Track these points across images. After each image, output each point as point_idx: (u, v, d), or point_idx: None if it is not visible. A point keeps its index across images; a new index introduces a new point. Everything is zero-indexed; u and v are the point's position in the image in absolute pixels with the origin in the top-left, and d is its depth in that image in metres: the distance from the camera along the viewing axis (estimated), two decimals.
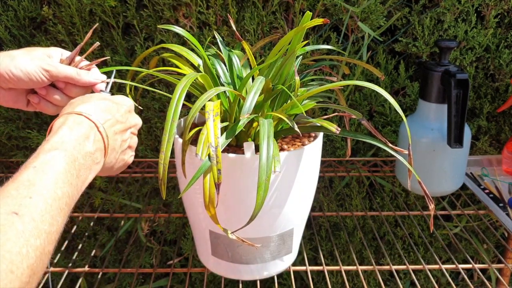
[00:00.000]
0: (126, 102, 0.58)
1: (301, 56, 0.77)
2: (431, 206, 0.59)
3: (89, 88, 0.61)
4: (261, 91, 0.60)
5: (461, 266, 0.79)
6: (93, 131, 0.50)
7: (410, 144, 0.62)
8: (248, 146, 0.61)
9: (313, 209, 0.96)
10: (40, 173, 0.41)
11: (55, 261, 0.87)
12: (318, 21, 0.61)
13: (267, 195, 0.63)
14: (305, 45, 0.70)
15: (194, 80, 0.61)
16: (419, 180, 0.60)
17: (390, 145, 0.60)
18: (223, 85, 0.70)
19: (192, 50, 0.72)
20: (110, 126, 0.52)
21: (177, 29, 0.72)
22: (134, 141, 0.59)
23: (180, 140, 0.64)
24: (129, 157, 0.58)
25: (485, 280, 0.74)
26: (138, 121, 0.60)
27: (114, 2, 0.95)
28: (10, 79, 0.55)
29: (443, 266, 0.78)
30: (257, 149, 0.62)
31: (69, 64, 0.61)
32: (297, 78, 0.63)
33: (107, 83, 0.63)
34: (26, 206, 0.36)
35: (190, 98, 0.97)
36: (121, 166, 0.57)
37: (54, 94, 0.59)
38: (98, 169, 0.50)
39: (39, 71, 0.56)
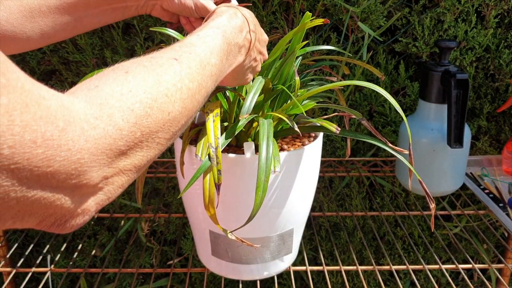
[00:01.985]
0: (266, 36, 0.62)
1: (301, 56, 0.77)
2: (432, 205, 0.59)
3: None
4: (261, 91, 0.60)
5: (461, 266, 0.79)
6: (246, 28, 0.53)
7: (411, 144, 0.62)
8: (248, 146, 0.61)
9: (313, 209, 0.96)
10: (202, 40, 0.45)
11: (55, 261, 0.87)
12: (318, 21, 0.61)
13: (268, 195, 0.63)
14: (305, 46, 0.70)
15: None
16: (419, 180, 0.60)
17: (390, 145, 0.60)
18: None
19: None
20: (255, 38, 0.55)
21: (170, 32, 0.71)
22: (258, 68, 0.60)
23: (180, 140, 0.64)
24: (250, 78, 0.60)
25: (485, 280, 0.74)
26: (266, 54, 0.61)
27: None
28: (178, 5, 0.62)
29: (443, 266, 0.78)
30: (257, 149, 0.62)
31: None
32: (297, 78, 0.63)
33: None
34: (185, 57, 0.41)
35: None
36: (242, 80, 0.59)
37: (196, 25, 0.64)
38: (238, 62, 0.53)
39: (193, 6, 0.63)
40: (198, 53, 0.43)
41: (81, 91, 0.33)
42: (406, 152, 0.60)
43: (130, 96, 0.33)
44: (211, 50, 0.45)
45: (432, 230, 0.63)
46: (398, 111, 0.59)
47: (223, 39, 0.48)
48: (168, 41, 0.99)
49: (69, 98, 0.30)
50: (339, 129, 0.58)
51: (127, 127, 0.32)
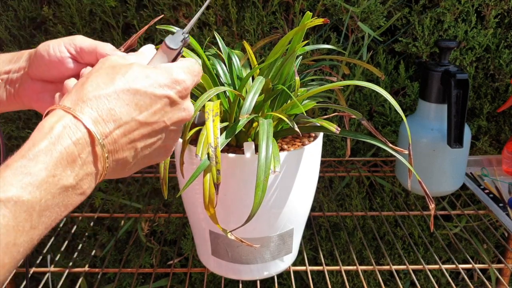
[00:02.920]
0: (177, 86, 0.40)
1: (301, 56, 0.77)
2: (432, 206, 0.59)
3: None
4: (261, 91, 0.60)
5: (461, 266, 0.79)
6: (86, 150, 0.35)
7: (411, 144, 0.62)
8: (248, 146, 0.61)
9: (313, 209, 0.96)
10: None
11: (55, 261, 0.87)
12: (319, 21, 0.61)
13: (268, 195, 0.63)
14: (305, 45, 0.70)
15: None
16: (419, 180, 0.60)
17: (390, 145, 0.60)
18: (223, 85, 0.70)
19: (192, 50, 0.72)
20: (122, 134, 0.37)
21: (176, 29, 0.72)
22: (171, 142, 0.43)
23: (180, 140, 0.64)
24: (159, 156, 0.43)
25: (485, 280, 0.74)
26: (185, 115, 0.42)
27: (114, 2, 0.95)
28: (49, 57, 0.47)
29: (443, 266, 0.78)
30: (257, 149, 0.62)
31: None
32: (297, 78, 0.63)
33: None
34: None
35: (191, 97, 0.97)
36: (144, 164, 0.42)
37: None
38: (82, 199, 0.36)
39: (68, 44, 0.47)
40: None
41: None
42: (406, 152, 0.60)
43: None
44: None
45: (432, 230, 0.63)
46: (398, 111, 0.59)
47: (16, 208, 0.31)
48: None
49: None
50: (339, 129, 0.58)
51: None
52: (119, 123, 0.36)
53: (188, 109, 0.43)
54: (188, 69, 0.42)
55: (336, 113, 0.63)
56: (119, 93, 0.37)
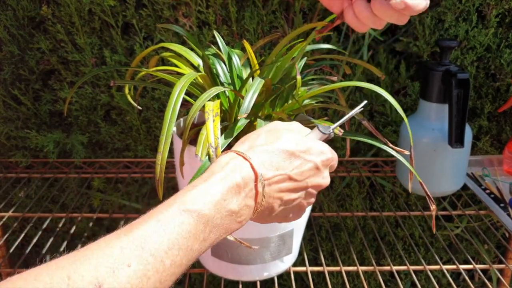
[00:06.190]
0: (322, 157, 0.50)
1: (305, 58, 0.77)
2: (433, 207, 0.58)
3: (400, 16, 0.50)
4: (261, 91, 0.59)
5: (462, 266, 0.78)
6: (250, 185, 0.44)
7: (412, 146, 0.61)
8: None
9: (313, 209, 0.95)
10: (160, 229, 0.37)
11: None
12: (323, 23, 0.60)
13: None
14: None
15: (194, 79, 0.61)
16: (420, 182, 0.59)
17: (391, 145, 0.60)
18: (223, 85, 0.70)
19: (192, 49, 0.72)
20: (276, 182, 0.46)
21: (176, 28, 0.72)
22: (310, 201, 0.51)
23: (180, 140, 0.63)
24: (294, 214, 0.50)
25: (486, 281, 0.74)
26: (323, 182, 0.50)
27: (113, 2, 0.95)
28: None
29: (444, 267, 0.78)
30: None
31: None
32: (298, 77, 0.62)
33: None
34: (116, 277, 0.33)
35: (191, 97, 0.96)
36: (280, 218, 0.50)
37: (360, 6, 0.50)
38: (237, 228, 0.44)
39: None
40: (144, 260, 0.35)
41: None
42: (407, 153, 0.60)
43: None
44: (170, 246, 0.37)
45: (434, 232, 0.62)
46: (399, 111, 0.58)
47: (198, 221, 0.39)
48: (168, 41, 0.98)
49: None
50: (342, 131, 0.58)
51: None
52: (275, 172, 0.46)
53: (327, 178, 0.51)
54: (331, 150, 0.52)
55: (339, 124, 0.63)
56: (280, 151, 0.47)
